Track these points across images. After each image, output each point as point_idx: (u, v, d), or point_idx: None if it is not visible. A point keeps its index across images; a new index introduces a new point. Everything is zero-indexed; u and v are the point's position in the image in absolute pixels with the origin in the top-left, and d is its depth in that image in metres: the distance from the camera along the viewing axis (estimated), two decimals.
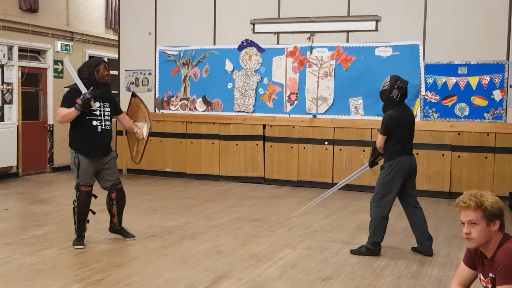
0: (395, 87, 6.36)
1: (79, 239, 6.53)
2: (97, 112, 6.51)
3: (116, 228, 6.91)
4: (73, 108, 6.34)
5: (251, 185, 11.46)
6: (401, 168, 6.48)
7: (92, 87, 6.42)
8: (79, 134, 6.54)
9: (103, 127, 6.58)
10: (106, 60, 14.62)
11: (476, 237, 3.37)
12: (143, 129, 6.98)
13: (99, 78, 6.53)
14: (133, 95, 7.31)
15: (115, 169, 6.86)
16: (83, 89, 6.38)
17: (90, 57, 14.06)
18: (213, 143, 12.09)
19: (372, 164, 6.81)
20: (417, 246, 6.65)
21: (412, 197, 6.73)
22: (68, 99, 6.44)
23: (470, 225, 3.38)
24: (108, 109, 6.65)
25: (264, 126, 11.70)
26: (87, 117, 6.46)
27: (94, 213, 6.74)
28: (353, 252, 6.52)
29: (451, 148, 10.39)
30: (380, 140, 6.49)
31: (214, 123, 12.07)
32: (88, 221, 6.64)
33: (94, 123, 6.50)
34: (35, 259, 6.04)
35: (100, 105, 6.53)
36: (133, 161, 7.43)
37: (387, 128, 6.40)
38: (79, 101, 6.30)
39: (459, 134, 10.34)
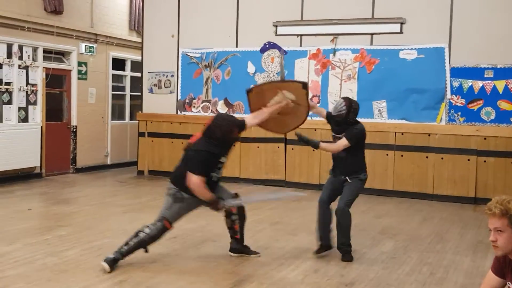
0: (352, 110, 6.43)
1: (115, 262, 5.77)
2: (218, 167, 6.00)
3: (239, 246, 6.38)
4: (210, 195, 5.82)
5: (272, 188, 11.41)
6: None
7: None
8: None
9: (217, 177, 6.01)
10: (130, 62, 14.76)
11: (502, 244, 3.30)
12: (285, 95, 6.33)
13: (234, 139, 6.25)
14: (249, 91, 6.58)
15: (224, 188, 6.28)
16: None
17: (113, 59, 14.17)
18: (233, 145, 12.04)
19: (304, 142, 6.44)
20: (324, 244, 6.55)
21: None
22: (200, 165, 5.81)
23: (496, 232, 3.30)
24: (226, 160, 6.11)
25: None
26: (210, 173, 5.92)
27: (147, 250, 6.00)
28: (346, 259, 6.34)
29: (477, 153, 10.24)
30: (342, 147, 6.38)
31: None
32: None
33: (213, 175, 5.94)
34: (57, 259, 6.05)
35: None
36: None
37: (357, 140, 6.44)
38: (214, 208, 5.95)
39: (485, 138, 10.19)
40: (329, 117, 6.77)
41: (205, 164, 5.81)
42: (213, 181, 5.96)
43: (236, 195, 6.24)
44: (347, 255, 6.37)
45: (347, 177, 6.49)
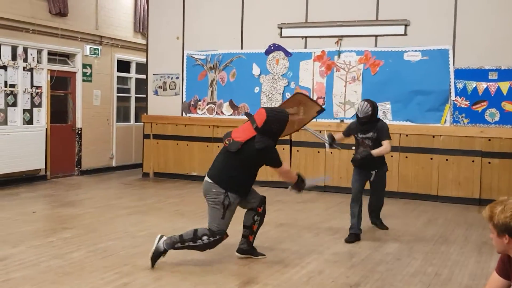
0: (375, 108, 7.36)
1: (162, 254, 5.92)
2: None
3: (248, 248, 6.39)
4: (295, 176, 6.36)
5: (277, 190, 11.38)
6: None
7: None
8: (246, 180, 6.04)
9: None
10: (135, 64, 14.81)
11: (494, 244, 3.40)
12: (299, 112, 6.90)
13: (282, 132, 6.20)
14: (295, 94, 7.38)
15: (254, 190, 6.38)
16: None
17: (118, 61, 14.19)
18: None
19: (360, 161, 7.36)
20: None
21: None
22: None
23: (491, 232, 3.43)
24: None
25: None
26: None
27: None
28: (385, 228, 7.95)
29: (481, 154, 10.23)
30: (389, 147, 7.35)
31: None
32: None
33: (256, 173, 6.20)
34: (62, 261, 6.06)
35: None
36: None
37: (389, 133, 7.46)
38: (300, 188, 6.40)
39: (489, 140, 10.18)
40: (347, 132, 7.70)
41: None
42: (253, 179, 6.14)
43: (264, 198, 6.40)
44: (383, 225, 7.99)
45: (375, 171, 7.47)
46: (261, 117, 5.98)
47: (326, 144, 7.65)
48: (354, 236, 7.34)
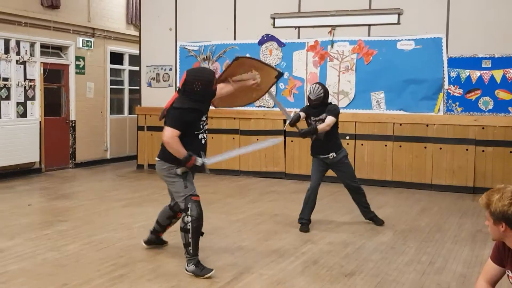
0: (326, 91, 7.40)
1: (201, 265, 5.47)
2: (201, 126, 5.62)
3: (156, 240, 6.33)
4: (183, 151, 5.37)
5: (271, 180, 11.43)
6: None
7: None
8: (187, 147, 5.42)
9: (205, 139, 5.70)
10: (128, 56, 14.76)
11: (490, 231, 3.41)
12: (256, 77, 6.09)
13: (213, 92, 5.71)
14: (236, 58, 6.19)
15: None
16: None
17: (111, 53, 14.15)
18: (233, 138, 12.07)
19: (303, 135, 7.30)
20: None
21: None
22: (180, 122, 5.41)
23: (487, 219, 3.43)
24: (206, 121, 5.74)
25: (284, 121, 11.65)
26: (196, 132, 5.56)
27: (202, 233, 5.62)
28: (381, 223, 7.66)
29: (475, 143, 10.26)
30: (331, 122, 7.20)
31: (234, 118, 12.05)
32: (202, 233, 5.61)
33: (200, 136, 5.60)
34: (58, 254, 6.07)
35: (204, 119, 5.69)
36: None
37: (338, 116, 7.35)
38: (190, 164, 5.43)
39: (483, 128, 10.21)
40: (305, 113, 7.51)
41: (186, 121, 5.42)
42: (201, 144, 5.62)
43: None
44: (379, 219, 7.69)
45: (333, 154, 7.40)
46: (182, 78, 5.58)
47: (288, 120, 7.33)
48: (306, 226, 7.37)
